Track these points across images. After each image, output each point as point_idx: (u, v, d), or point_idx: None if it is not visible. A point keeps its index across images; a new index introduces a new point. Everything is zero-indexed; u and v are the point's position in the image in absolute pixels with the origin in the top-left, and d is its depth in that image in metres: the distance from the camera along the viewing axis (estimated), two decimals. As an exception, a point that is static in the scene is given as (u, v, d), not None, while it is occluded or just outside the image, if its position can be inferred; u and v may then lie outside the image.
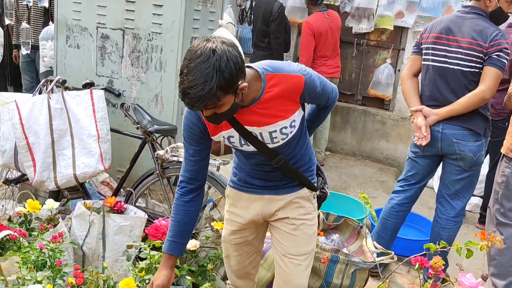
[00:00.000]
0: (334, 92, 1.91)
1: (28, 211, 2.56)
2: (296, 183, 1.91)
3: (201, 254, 2.73)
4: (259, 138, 1.73)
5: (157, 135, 3.00)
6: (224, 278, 2.74)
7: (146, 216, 2.78)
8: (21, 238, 2.30)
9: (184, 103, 1.49)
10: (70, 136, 2.87)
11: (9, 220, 2.58)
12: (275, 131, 1.71)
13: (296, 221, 1.91)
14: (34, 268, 1.96)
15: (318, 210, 2.05)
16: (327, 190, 2.07)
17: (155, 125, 2.91)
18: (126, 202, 2.97)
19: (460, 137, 2.79)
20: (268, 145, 1.75)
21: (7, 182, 3.22)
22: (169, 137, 3.03)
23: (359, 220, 3.02)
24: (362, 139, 5.72)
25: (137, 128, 2.99)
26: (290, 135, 1.76)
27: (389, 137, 5.57)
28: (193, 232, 2.74)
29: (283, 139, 1.75)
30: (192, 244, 2.62)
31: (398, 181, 3.14)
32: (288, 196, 1.92)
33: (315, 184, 1.97)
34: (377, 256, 2.54)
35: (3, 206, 3.15)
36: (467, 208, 3.59)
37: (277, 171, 1.86)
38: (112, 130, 3.05)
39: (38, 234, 2.29)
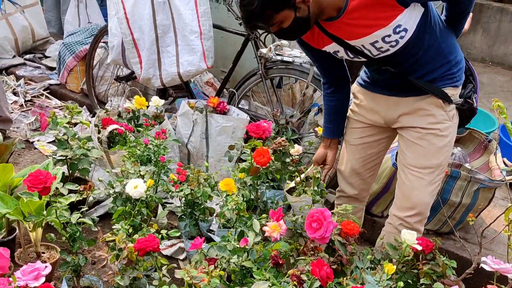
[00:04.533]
0: None
1: (136, 107, 2.60)
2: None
3: (304, 160, 2.61)
4: (364, 50, 1.58)
5: (260, 31, 2.79)
6: (330, 186, 2.61)
7: (249, 118, 2.69)
8: (127, 133, 2.35)
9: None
10: (173, 32, 2.80)
11: (119, 115, 2.65)
12: (377, 41, 1.53)
13: (422, 130, 1.67)
14: (139, 163, 1.99)
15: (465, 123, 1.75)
16: (474, 100, 1.71)
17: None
18: (229, 103, 2.89)
19: None
20: (379, 55, 1.58)
21: (119, 79, 3.31)
22: (273, 34, 2.80)
23: (487, 133, 2.62)
24: (494, 42, 4.95)
25: (240, 24, 2.80)
26: (402, 41, 1.53)
27: (529, 40, 4.76)
28: (296, 137, 2.61)
29: (392, 46, 1.54)
30: (294, 150, 2.50)
31: None
32: (413, 100, 1.67)
33: (455, 92, 1.66)
34: (507, 175, 2.20)
35: (116, 102, 3.28)
36: None
37: (398, 78, 1.64)
38: (214, 26, 2.90)
39: (143, 130, 2.32)
